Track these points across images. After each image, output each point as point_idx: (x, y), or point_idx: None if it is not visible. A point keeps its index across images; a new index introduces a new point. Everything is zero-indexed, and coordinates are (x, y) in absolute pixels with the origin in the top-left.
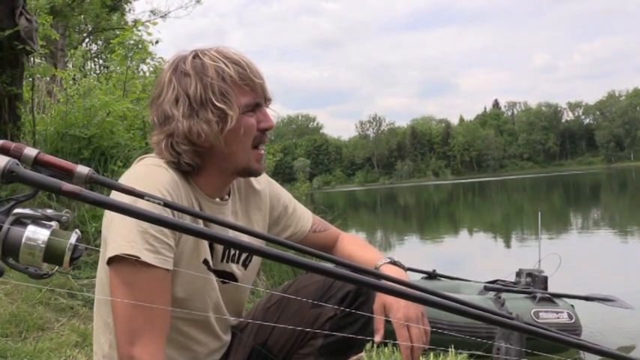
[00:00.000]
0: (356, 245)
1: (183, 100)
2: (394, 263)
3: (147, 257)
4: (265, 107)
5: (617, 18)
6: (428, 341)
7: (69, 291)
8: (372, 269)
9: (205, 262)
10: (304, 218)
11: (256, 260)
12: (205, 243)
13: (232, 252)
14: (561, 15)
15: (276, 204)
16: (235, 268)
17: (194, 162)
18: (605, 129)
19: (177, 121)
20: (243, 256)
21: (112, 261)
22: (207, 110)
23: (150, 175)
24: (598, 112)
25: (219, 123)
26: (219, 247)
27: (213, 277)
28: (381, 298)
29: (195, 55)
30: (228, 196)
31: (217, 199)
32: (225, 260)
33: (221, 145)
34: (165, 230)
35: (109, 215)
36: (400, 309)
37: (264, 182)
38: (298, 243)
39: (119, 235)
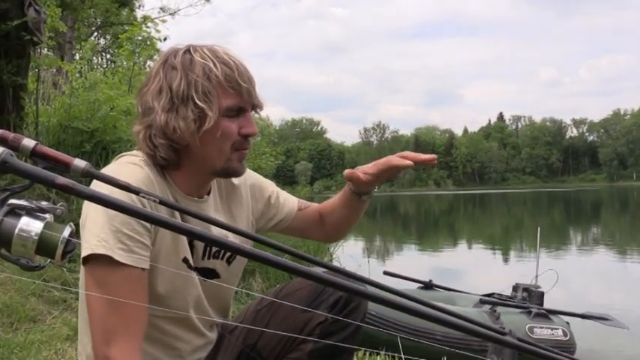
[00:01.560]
0: (329, 201)
1: (165, 93)
2: None
3: (120, 256)
4: (251, 113)
5: (626, 36)
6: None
7: (62, 286)
8: (363, 276)
9: (185, 260)
10: (289, 202)
11: (241, 258)
12: (185, 241)
13: (214, 248)
14: (569, 30)
15: (259, 196)
16: (218, 265)
17: (169, 157)
18: (608, 147)
19: (157, 113)
20: (228, 253)
21: (85, 261)
22: (187, 107)
23: (123, 172)
24: (602, 130)
25: (196, 121)
26: (200, 245)
27: (194, 275)
28: (363, 167)
29: (187, 51)
30: (208, 194)
31: (195, 197)
32: (206, 257)
33: (197, 145)
34: (140, 228)
35: (83, 215)
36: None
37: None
38: (287, 227)
39: (91, 234)
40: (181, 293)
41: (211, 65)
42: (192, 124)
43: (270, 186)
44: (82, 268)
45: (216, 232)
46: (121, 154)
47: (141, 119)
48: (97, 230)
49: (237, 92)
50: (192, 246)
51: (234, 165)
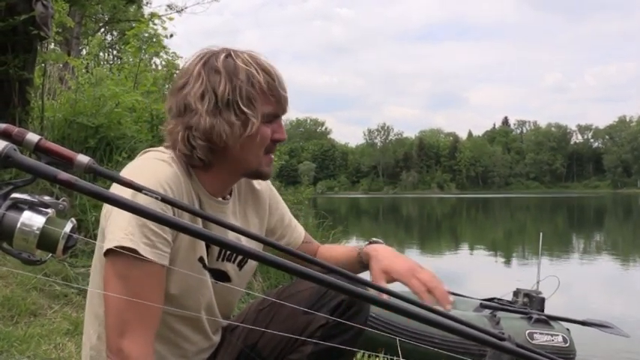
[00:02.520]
0: (334, 247)
1: (210, 97)
2: (375, 242)
3: (144, 251)
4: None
5: (634, 43)
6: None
7: (62, 282)
8: (365, 279)
9: (201, 259)
10: (298, 230)
11: (252, 263)
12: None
13: (229, 251)
14: (577, 36)
15: (275, 211)
16: (230, 268)
17: (207, 158)
18: (613, 154)
19: (200, 116)
20: (240, 256)
21: (108, 252)
22: (231, 112)
23: (152, 168)
24: (607, 137)
25: (240, 127)
26: (215, 246)
27: (208, 276)
28: (378, 264)
29: (228, 55)
30: (230, 195)
31: (219, 198)
32: (220, 259)
33: (237, 148)
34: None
35: (108, 206)
36: (401, 264)
37: (264, 184)
38: None
39: (117, 227)
40: (195, 293)
41: (254, 72)
42: (237, 129)
43: (286, 208)
44: (96, 259)
45: (231, 234)
46: (147, 150)
47: (177, 118)
48: (124, 223)
49: (276, 100)
50: (208, 246)
51: (265, 168)
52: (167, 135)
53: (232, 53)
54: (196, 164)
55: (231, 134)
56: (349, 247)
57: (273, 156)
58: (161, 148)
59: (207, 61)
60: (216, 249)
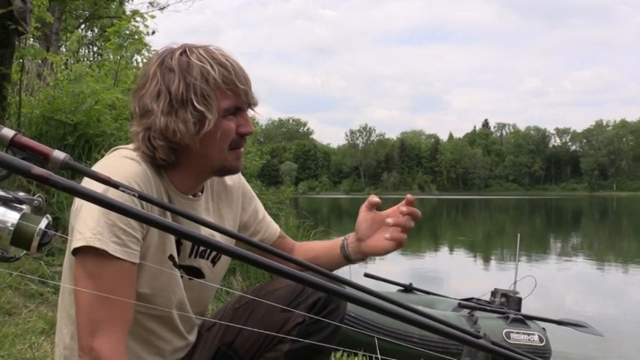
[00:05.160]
0: (309, 244)
1: (164, 96)
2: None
3: (113, 250)
4: (247, 111)
5: (611, 50)
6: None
7: (39, 278)
8: (345, 277)
9: (171, 257)
10: (272, 226)
11: (225, 259)
12: (172, 238)
13: (202, 248)
14: (555, 42)
15: (248, 206)
16: (203, 265)
17: (169, 158)
18: (590, 157)
19: (156, 116)
20: (213, 253)
21: (77, 252)
22: (186, 110)
23: (121, 166)
24: (585, 140)
25: (196, 124)
26: (188, 242)
27: (178, 274)
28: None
29: (183, 52)
30: (202, 192)
31: (190, 196)
32: (193, 255)
33: (196, 146)
34: (133, 223)
35: (77, 204)
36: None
37: (236, 178)
38: None
39: (86, 226)
40: (165, 291)
41: (209, 68)
42: (192, 127)
43: (260, 204)
44: (67, 258)
45: (203, 231)
46: (116, 148)
47: (139, 120)
48: (93, 223)
49: (234, 93)
50: (179, 243)
51: (231, 163)
52: (132, 136)
53: (187, 50)
54: (160, 164)
55: (187, 132)
56: (327, 242)
57: (242, 150)
58: (130, 146)
59: (163, 60)
60: (188, 246)
